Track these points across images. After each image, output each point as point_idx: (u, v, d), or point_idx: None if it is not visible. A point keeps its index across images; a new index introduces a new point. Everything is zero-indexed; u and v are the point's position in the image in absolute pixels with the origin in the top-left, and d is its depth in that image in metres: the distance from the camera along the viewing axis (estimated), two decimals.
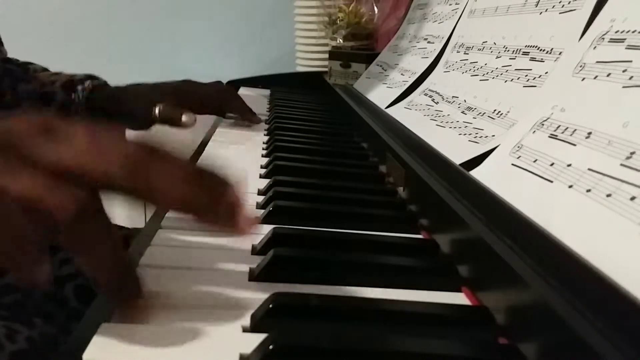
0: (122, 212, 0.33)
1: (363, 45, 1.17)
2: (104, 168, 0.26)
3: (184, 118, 0.73)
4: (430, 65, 0.72)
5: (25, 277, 0.26)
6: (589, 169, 0.31)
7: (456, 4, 0.73)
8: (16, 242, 0.25)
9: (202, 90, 0.83)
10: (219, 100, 0.85)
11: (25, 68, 0.79)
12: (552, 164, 0.35)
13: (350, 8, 1.18)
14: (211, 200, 0.28)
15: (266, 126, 0.83)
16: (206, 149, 0.67)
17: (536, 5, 0.51)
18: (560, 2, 0.47)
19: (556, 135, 0.36)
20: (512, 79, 0.49)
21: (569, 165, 0.33)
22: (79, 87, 0.76)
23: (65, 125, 0.28)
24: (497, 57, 0.54)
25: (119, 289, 0.28)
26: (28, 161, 0.26)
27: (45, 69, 0.82)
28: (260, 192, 0.51)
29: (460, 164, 0.45)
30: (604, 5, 0.39)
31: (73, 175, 0.26)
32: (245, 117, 0.85)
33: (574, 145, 0.34)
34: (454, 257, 0.38)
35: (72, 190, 0.25)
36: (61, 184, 0.25)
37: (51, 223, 0.25)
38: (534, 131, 0.39)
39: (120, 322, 0.28)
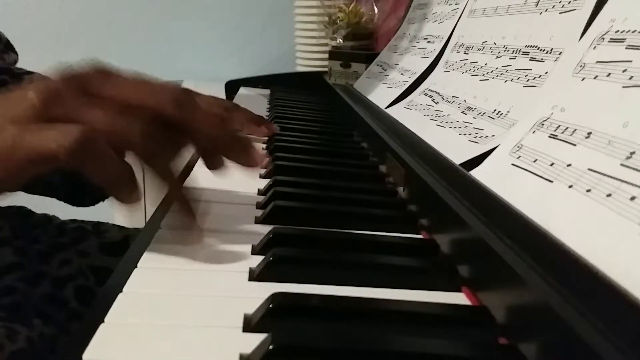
0: (121, 213, 0.34)
1: (363, 45, 1.17)
2: (158, 102, 0.33)
3: None
4: (430, 65, 0.72)
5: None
6: (589, 169, 0.31)
7: (456, 4, 0.73)
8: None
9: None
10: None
11: (21, 79, 0.74)
12: (552, 164, 0.35)
13: (350, 8, 1.18)
14: (233, 138, 0.37)
15: None
16: None
17: (536, 5, 0.51)
18: (560, 2, 0.47)
19: (556, 135, 0.36)
20: (512, 79, 0.49)
21: (569, 165, 0.33)
22: None
23: (120, 72, 0.34)
24: (497, 57, 0.54)
25: (185, 198, 0.36)
26: (94, 100, 0.32)
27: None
28: (260, 192, 0.51)
29: (460, 164, 0.45)
30: (604, 5, 0.39)
31: (132, 109, 0.32)
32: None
33: (574, 145, 0.34)
34: (454, 257, 0.38)
35: (135, 119, 0.32)
36: (125, 116, 0.32)
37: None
38: (534, 131, 0.39)
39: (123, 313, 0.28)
